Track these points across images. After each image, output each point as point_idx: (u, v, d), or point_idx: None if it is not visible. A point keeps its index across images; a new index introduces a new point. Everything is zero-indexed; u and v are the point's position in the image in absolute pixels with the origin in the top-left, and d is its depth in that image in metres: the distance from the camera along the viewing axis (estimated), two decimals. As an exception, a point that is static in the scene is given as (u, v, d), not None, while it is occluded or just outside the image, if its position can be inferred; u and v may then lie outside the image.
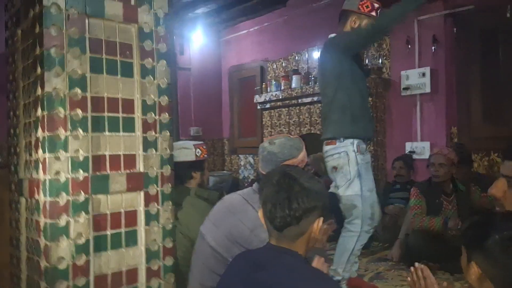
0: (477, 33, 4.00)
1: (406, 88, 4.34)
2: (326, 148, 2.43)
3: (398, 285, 2.83)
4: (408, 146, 4.38)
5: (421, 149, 4.26)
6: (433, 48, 4.18)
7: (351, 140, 2.35)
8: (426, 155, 3.96)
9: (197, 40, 6.24)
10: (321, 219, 1.20)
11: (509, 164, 1.17)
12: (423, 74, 4.24)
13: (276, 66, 5.77)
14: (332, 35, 2.54)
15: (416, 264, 1.29)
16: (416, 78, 4.28)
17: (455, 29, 4.15)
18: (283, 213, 1.15)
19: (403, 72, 4.38)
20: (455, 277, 2.83)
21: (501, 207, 1.20)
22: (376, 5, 2.47)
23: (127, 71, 1.45)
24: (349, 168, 2.33)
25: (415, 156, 4.25)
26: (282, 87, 5.24)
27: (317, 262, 1.37)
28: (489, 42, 3.93)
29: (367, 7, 2.45)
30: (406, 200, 3.66)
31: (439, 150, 3.27)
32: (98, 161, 1.39)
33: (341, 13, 2.54)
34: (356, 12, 2.46)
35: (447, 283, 1.25)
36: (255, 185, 1.71)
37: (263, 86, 5.59)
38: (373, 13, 2.44)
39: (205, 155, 2.22)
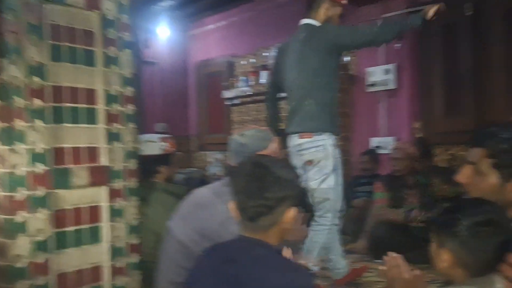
0: (438, 30, 4.12)
1: (371, 84, 4.42)
2: (300, 141, 2.37)
3: (365, 276, 2.88)
4: (373, 141, 4.47)
5: (385, 143, 4.35)
6: (397, 44, 4.27)
7: (328, 134, 2.34)
8: (390, 150, 4.05)
9: (162, 34, 6.11)
10: (294, 208, 1.18)
11: (473, 150, 1.21)
12: (388, 71, 4.33)
13: (244, 62, 5.74)
14: (308, 21, 2.45)
15: (390, 253, 1.30)
16: (381, 74, 4.36)
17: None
18: (255, 203, 1.13)
19: (368, 68, 4.45)
20: (419, 268, 2.90)
21: (468, 193, 1.23)
22: None
23: (89, 60, 1.39)
24: (326, 162, 2.33)
25: (379, 151, 4.33)
26: (251, 83, 5.22)
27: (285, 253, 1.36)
28: (450, 39, 4.05)
29: None
30: (370, 193, 3.74)
31: (399, 145, 3.36)
32: (59, 154, 1.33)
33: None
34: (329, 0, 2.43)
35: (419, 271, 1.26)
36: (224, 179, 1.68)
37: (231, 81, 5.55)
38: (345, 1, 2.44)
39: (173, 149, 2.17)
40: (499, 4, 3.79)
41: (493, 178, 1.16)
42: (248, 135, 1.62)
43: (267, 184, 1.13)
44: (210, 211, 1.57)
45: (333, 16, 2.46)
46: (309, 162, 2.35)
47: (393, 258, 1.29)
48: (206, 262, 1.22)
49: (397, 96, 4.35)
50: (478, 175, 1.20)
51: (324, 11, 2.43)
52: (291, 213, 1.17)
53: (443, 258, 1.08)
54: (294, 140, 2.40)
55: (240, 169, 1.21)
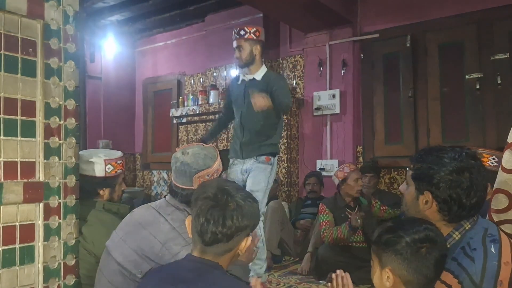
0: (380, 59, 4.35)
1: (318, 108, 4.55)
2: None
3: (309, 297, 2.89)
4: (319, 163, 4.57)
5: (330, 166, 4.47)
6: (342, 71, 4.45)
7: None
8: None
9: (109, 49, 5.97)
10: (249, 237, 1.19)
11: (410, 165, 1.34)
12: (333, 96, 4.48)
13: (193, 81, 5.73)
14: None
15: (338, 271, 1.32)
16: (327, 99, 4.51)
17: (361, 54, 4.46)
18: (215, 229, 1.11)
19: (315, 93, 4.59)
20: (360, 288, 2.96)
21: (405, 206, 1.32)
22: None
23: (29, 70, 1.32)
24: None
25: (324, 173, 4.43)
26: (200, 102, 5.20)
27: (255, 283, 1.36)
28: (391, 68, 4.28)
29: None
30: (315, 215, 3.79)
31: (350, 166, 3.41)
32: (-10, 168, 1.24)
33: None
34: None
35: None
36: (168, 197, 1.64)
37: (180, 100, 5.51)
38: None
39: (118, 171, 2.02)
40: (434, 39, 4.08)
41: (412, 189, 1.28)
42: (191, 153, 1.57)
43: (230, 213, 1.12)
44: (152, 230, 1.52)
45: None
46: None
47: (339, 277, 1.31)
48: (152, 283, 1.18)
49: (341, 120, 4.51)
50: (407, 186, 1.33)
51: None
52: (247, 241, 1.18)
53: (386, 277, 1.10)
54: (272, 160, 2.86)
55: (204, 191, 1.18)
